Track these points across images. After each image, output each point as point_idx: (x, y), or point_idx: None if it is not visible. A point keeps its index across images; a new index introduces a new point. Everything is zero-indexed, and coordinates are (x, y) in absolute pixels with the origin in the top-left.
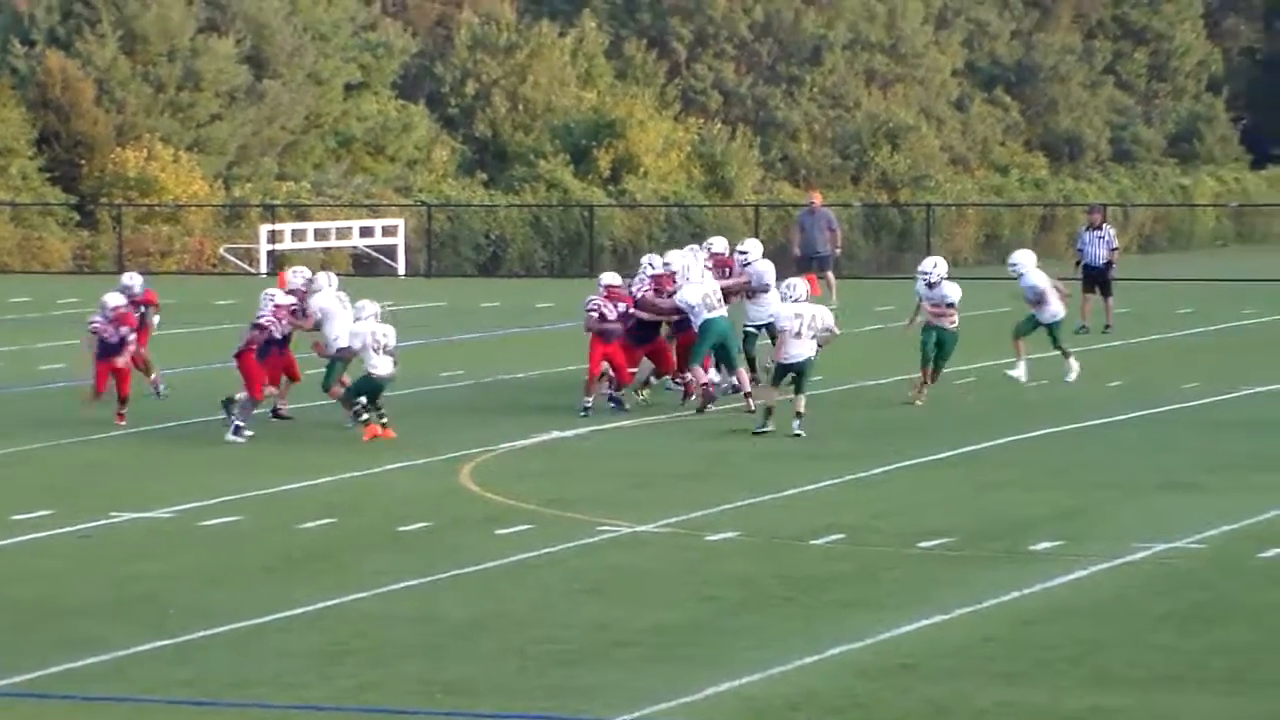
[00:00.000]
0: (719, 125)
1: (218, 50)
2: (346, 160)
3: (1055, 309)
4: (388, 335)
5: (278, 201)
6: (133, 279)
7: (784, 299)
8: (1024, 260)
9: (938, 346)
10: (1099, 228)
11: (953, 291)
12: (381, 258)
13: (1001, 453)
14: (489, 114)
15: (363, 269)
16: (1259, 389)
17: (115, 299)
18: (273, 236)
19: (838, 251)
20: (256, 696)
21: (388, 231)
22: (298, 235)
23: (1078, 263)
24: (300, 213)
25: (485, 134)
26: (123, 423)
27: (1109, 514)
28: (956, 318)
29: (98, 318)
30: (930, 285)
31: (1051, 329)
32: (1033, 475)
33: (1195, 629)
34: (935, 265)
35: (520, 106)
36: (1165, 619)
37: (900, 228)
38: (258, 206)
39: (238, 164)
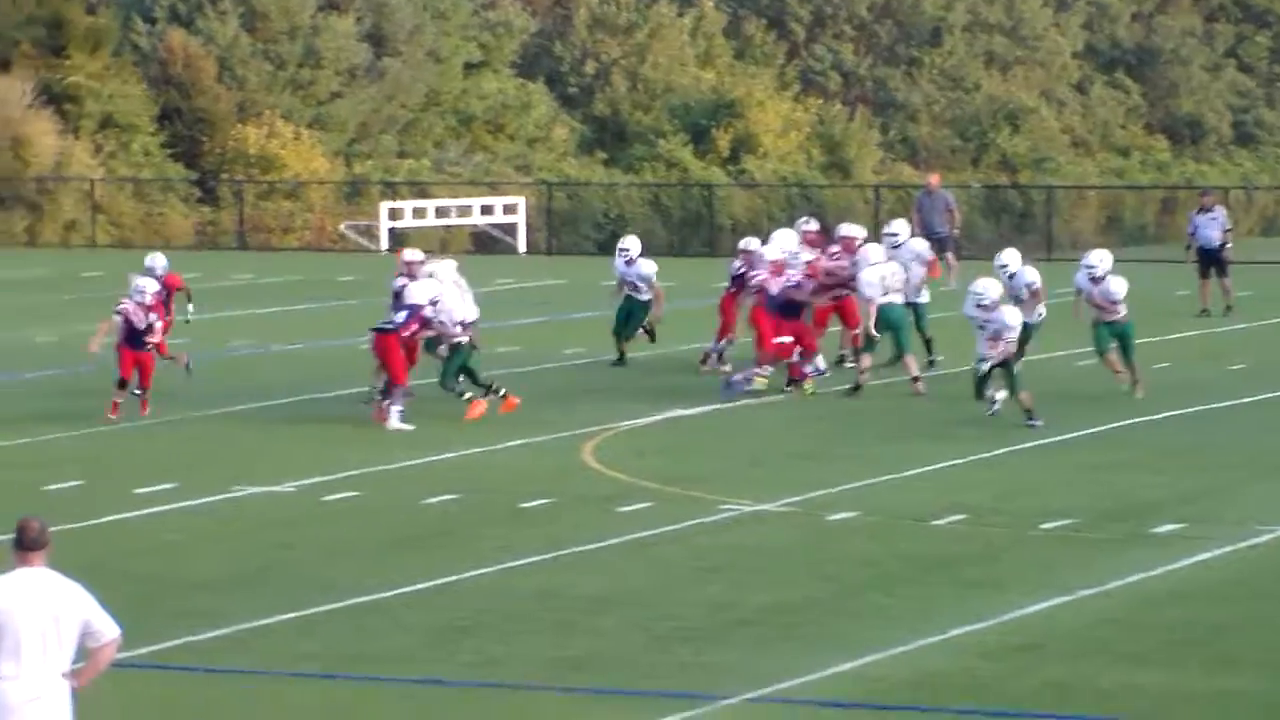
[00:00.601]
0: (838, 106)
1: (338, 28)
2: (466, 138)
3: (1041, 309)
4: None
5: (398, 179)
6: (155, 259)
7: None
8: (1013, 259)
9: (1120, 341)
10: (1210, 210)
11: (1119, 287)
12: (502, 236)
13: (1124, 435)
14: (608, 93)
15: (483, 247)
16: None
17: (150, 283)
18: (393, 214)
19: (956, 233)
20: (378, 670)
21: (508, 209)
22: (418, 213)
23: (1189, 246)
24: (420, 190)
25: (604, 113)
26: (146, 413)
27: (1233, 496)
28: (1124, 309)
29: (127, 301)
30: (1095, 280)
31: (1030, 330)
32: (1155, 457)
33: None
34: (1101, 260)
35: (639, 86)
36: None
37: (1020, 210)
38: (378, 184)
39: (358, 141)
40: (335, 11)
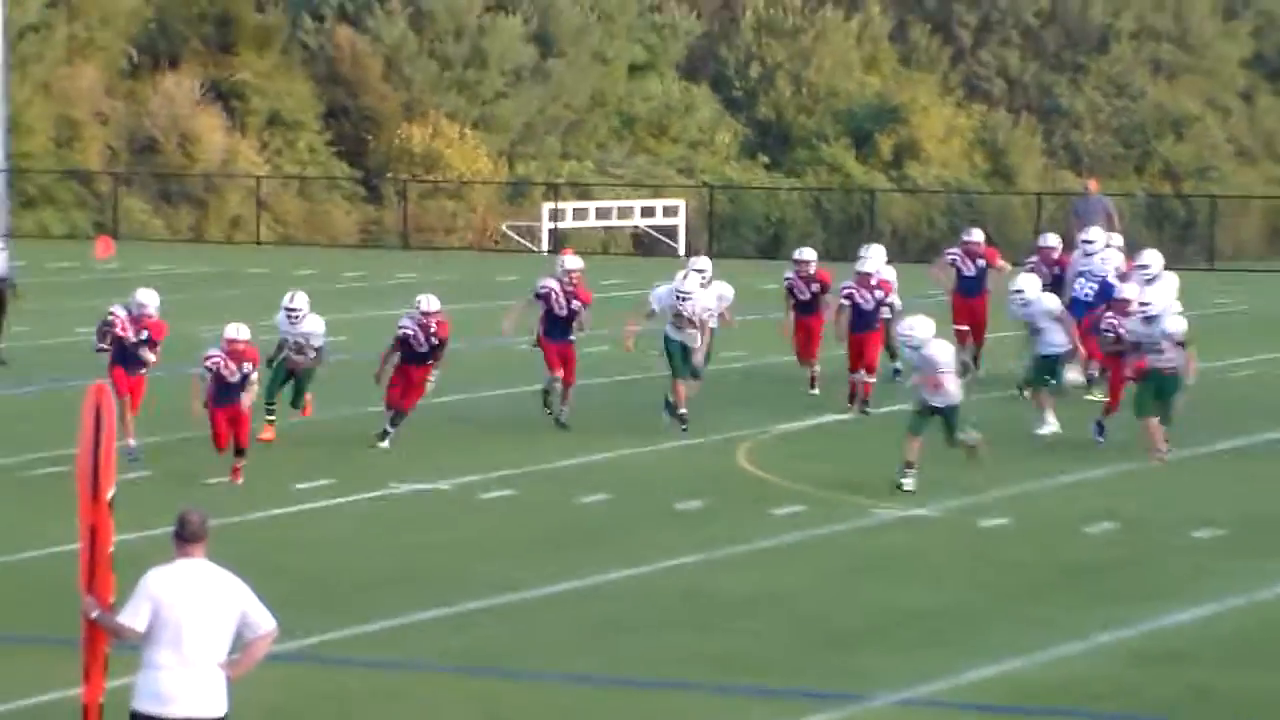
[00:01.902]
0: (1002, 112)
1: (504, 29)
2: (629, 140)
3: (1064, 338)
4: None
5: (560, 180)
6: (148, 295)
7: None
8: (1029, 286)
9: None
10: None
11: (1175, 326)
12: (662, 238)
13: (1273, 447)
14: (772, 97)
15: (643, 249)
16: None
17: (238, 330)
18: (555, 215)
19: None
20: (528, 667)
21: (669, 212)
22: (579, 214)
23: None
24: (582, 191)
25: (768, 116)
26: (239, 480)
27: None
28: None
29: (215, 352)
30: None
31: (1053, 361)
32: None
33: None
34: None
35: (804, 90)
36: None
37: (1183, 219)
38: (540, 185)
39: (521, 142)
40: (502, 12)
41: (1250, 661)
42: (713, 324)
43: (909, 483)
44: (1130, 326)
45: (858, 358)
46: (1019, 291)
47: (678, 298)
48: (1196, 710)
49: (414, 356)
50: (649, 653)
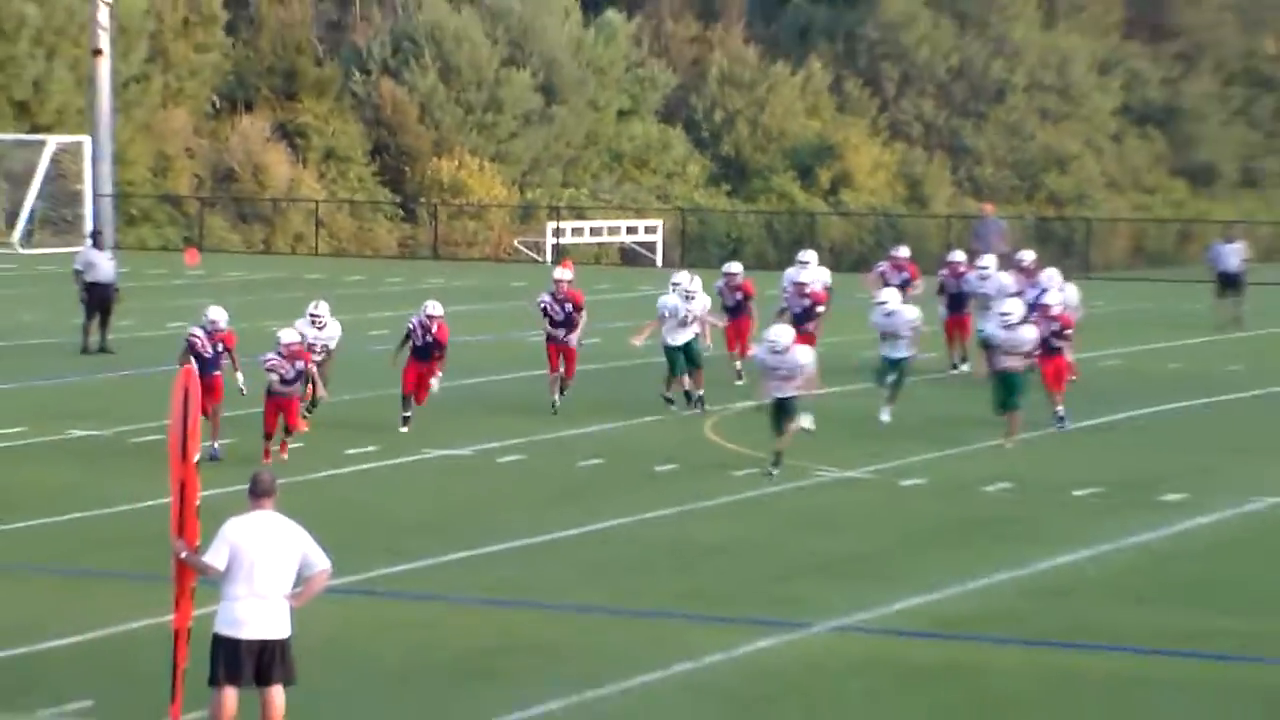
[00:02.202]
0: (919, 150)
1: (516, 81)
2: (617, 171)
3: (911, 348)
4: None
5: (561, 204)
6: (218, 313)
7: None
8: (892, 298)
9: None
10: (1233, 241)
11: (1028, 334)
12: (643, 251)
13: (1139, 421)
14: (733, 137)
15: (628, 261)
16: None
17: (291, 334)
18: (557, 232)
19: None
20: (539, 599)
21: (649, 230)
22: (576, 231)
23: (1212, 268)
24: (579, 213)
25: (729, 153)
26: (285, 455)
27: (1230, 472)
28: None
29: (273, 355)
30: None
31: (899, 364)
32: (1165, 440)
33: None
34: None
35: (758, 131)
36: (1275, 558)
37: (1064, 237)
38: (545, 207)
39: (530, 173)
40: (514, 67)
41: (1119, 597)
42: (713, 320)
43: (777, 471)
44: (990, 330)
45: None
46: (883, 303)
47: (685, 298)
48: (1075, 636)
49: (417, 351)
50: (636, 588)
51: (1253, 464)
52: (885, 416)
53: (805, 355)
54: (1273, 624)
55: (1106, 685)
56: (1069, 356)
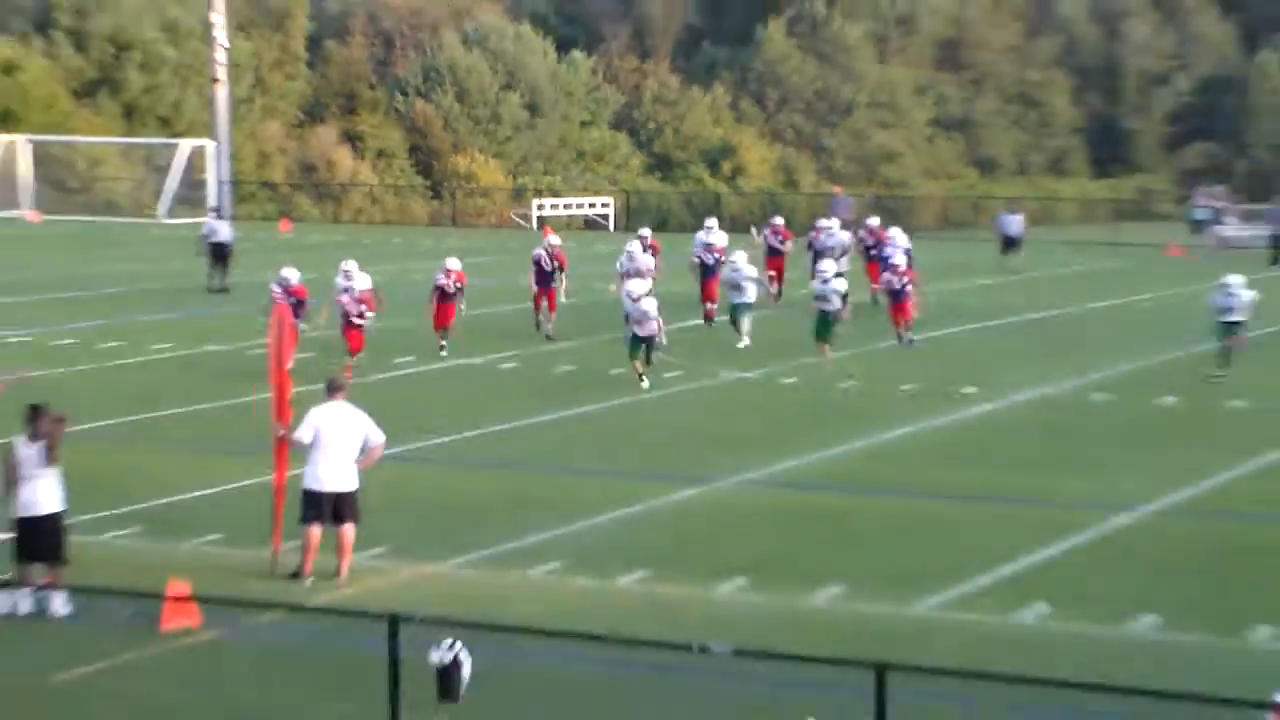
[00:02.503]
0: (793, 149)
1: (510, 100)
2: (581, 164)
3: (753, 294)
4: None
5: (543, 187)
6: (290, 272)
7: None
8: (741, 259)
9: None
10: (1016, 213)
11: (839, 286)
12: (601, 221)
13: (946, 339)
14: (662, 140)
15: (589, 227)
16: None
17: (359, 279)
18: (539, 207)
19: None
20: (528, 463)
21: (604, 206)
22: (554, 206)
23: (999, 233)
24: (555, 193)
25: (660, 151)
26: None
27: (1009, 373)
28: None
29: (344, 295)
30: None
31: (745, 309)
32: (963, 352)
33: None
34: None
35: (680, 136)
36: (1025, 435)
37: (893, 209)
38: (531, 189)
39: (520, 165)
40: (509, 90)
41: (934, 461)
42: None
43: (646, 384)
44: (815, 286)
45: (707, 296)
46: (733, 261)
47: (629, 255)
48: (904, 490)
49: (445, 296)
50: (597, 457)
51: (1024, 367)
52: (741, 344)
53: (651, 305)
54: (1035, 479)
55: (928, 522)
56: (913, 299)
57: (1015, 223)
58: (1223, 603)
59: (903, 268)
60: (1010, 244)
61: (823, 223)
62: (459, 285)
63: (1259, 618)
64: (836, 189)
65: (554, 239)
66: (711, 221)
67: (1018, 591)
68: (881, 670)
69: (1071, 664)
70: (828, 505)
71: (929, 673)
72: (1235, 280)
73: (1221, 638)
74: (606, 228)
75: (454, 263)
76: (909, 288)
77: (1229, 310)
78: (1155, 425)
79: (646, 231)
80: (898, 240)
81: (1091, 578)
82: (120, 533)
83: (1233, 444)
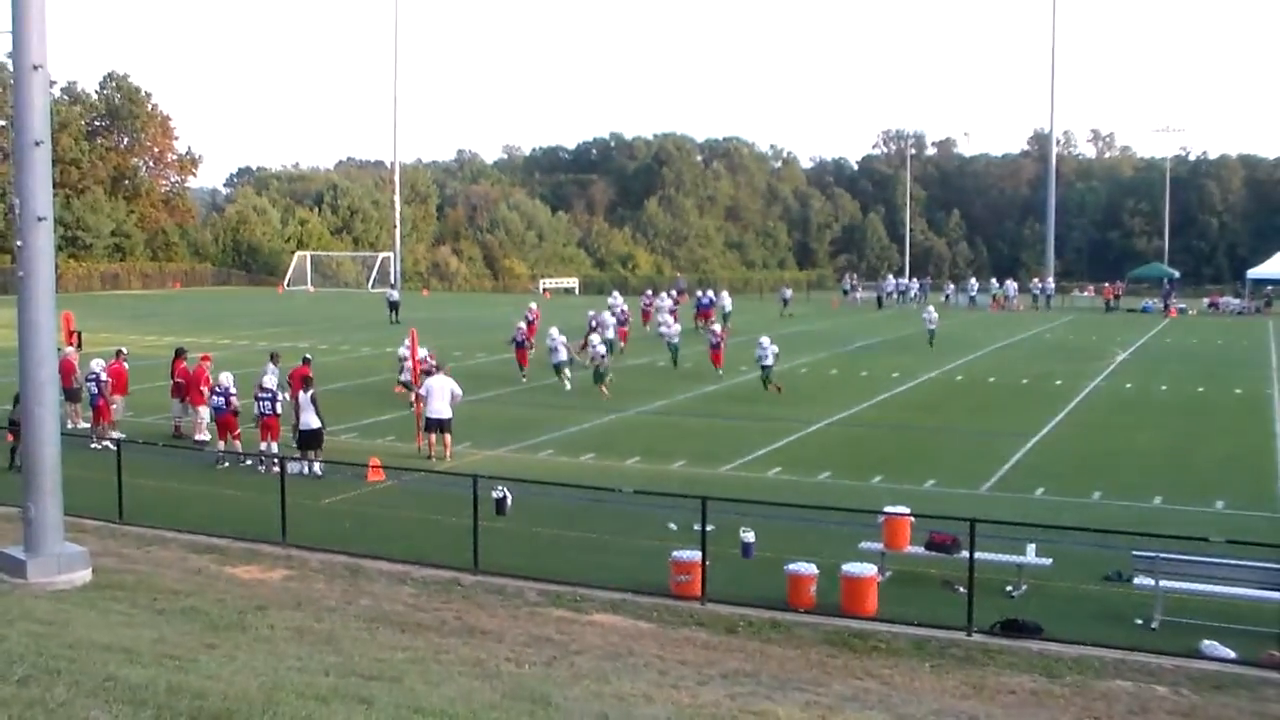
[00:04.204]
0: (661, 257)
1: (529, 234)
2: (562, 264)
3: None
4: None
5: (545, 275)
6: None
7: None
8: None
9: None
10: (787, 287)
11: (670, 330)
12: (570, 291)
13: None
14: (599, 252)
15: (566, 293)
16: None
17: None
18: (545, 283)
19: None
20: (552, 419)
21: (572, 283)
22: (551, 282)
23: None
24: (550, 276)
25: (598, 257)
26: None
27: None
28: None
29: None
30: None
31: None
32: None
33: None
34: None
35: (607, 250)
36: (761, 393)
37: (707, 284)
38: (540, 274)
39: (535, 264)
40: (529, 229)
41: (732, 403)
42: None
43: (567, 385)
44: (662, 331)
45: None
46: (551, 333)
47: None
48: (715, 415)
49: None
50: (584, 397)
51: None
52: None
53: (558, 338)
54: (774, 409)
55: (728, 431)
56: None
57: (788, 292)
58: (857, 465)
59: (716, 326)
60: (785, 303)
61: (649, 293)
62: (532, 320)
63: (875, 471)
64: (679, 275)
65: (532, 306)
66: (616, 293)
67: (765, 462)
68: (704, 500)
69: (789, 495)
70: (686, 424)
71: (727, 500)
72: (765, 339)
73: (854, 482)
74: (574, 292)
75: (533, 306)
76: (721, 343)
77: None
78: (828, 384)
79: (534, 304)
80: (724, 300)
81: (798, 455)
82: (348, 435)
83: (861, 392)
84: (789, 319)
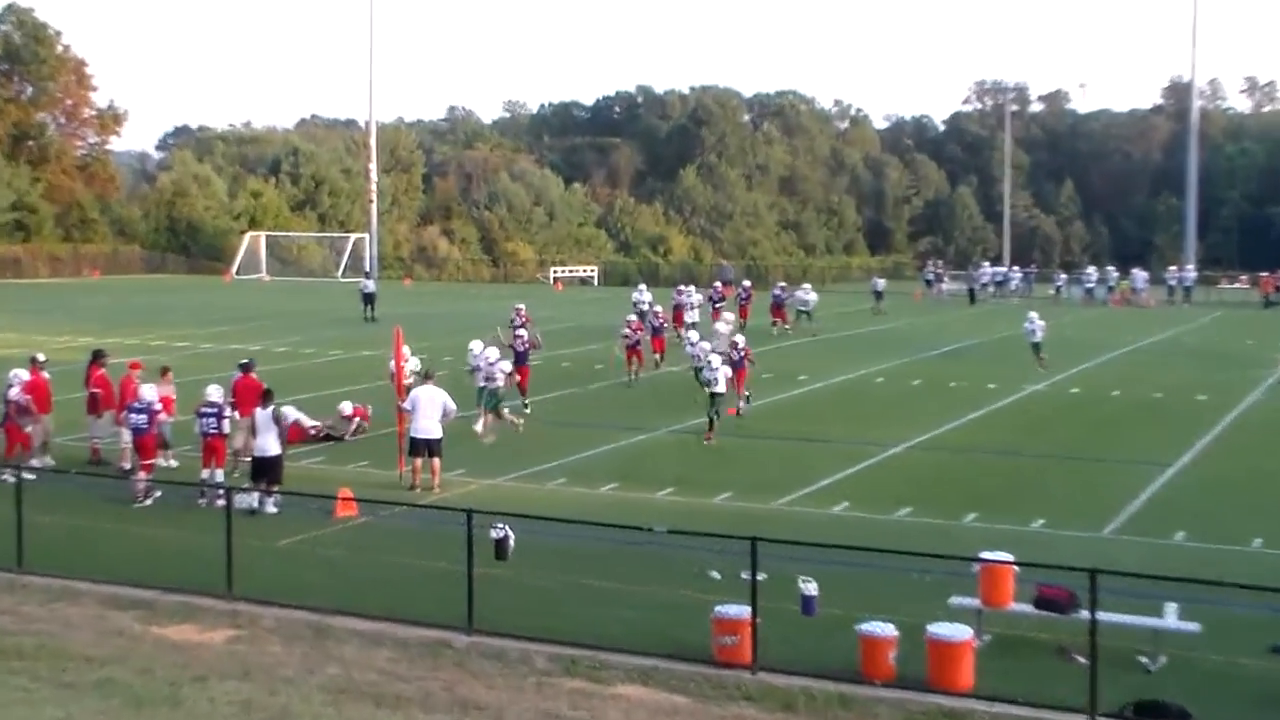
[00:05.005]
0: (699, 239)
1: (537, 211)
2: (579, 247)
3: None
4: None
5: (555, 261)
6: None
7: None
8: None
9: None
10: (881, 276)
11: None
12: (589, 280)
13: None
14: (623, 233)
15: (583, 284)
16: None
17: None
18: (555, 271)
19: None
20: (593, 422)
21: (591, 271)
22: (563, 271)
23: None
24: (563, 264)
25: (623, 240)
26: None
27: (838, 367)
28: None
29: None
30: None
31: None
32: (794, 356)
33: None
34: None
35: (634, 230)
36: (833, 403)
37: (756, 274)
38: (550, 261)
39: (544, 248)
40: (537, 205)
41: (786, 419)
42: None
43: (479, 426)
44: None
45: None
46: (487, 356)
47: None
48: (767, 436)
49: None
50: (597, 413)
51: (839, 363)
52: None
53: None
54: (840, 428)
55: (782, 454)
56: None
57: (880, 283)
58: (946, 500)
59: (741, 343)
60: (878, 297)
61: (682, 287)
62: (519, 325)
63: (967, 508)
64: (724, 261)
65: (520, 309)
66: (642, 285)
67: (830, 494)
68: (754, 541)
69: (860, 536)
70: (731, 447)
71: (782, 543)
72: (1033, 313)
73: (942, 520)
74: (593, 283)
75: (520, 309)
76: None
77: (1032, 333)
78: (909, 397)
79: (521, 305)
80: (804, 295)
81: (872, 486)
82: (311, 460)
83: (950, 409)
84: (880, 316)
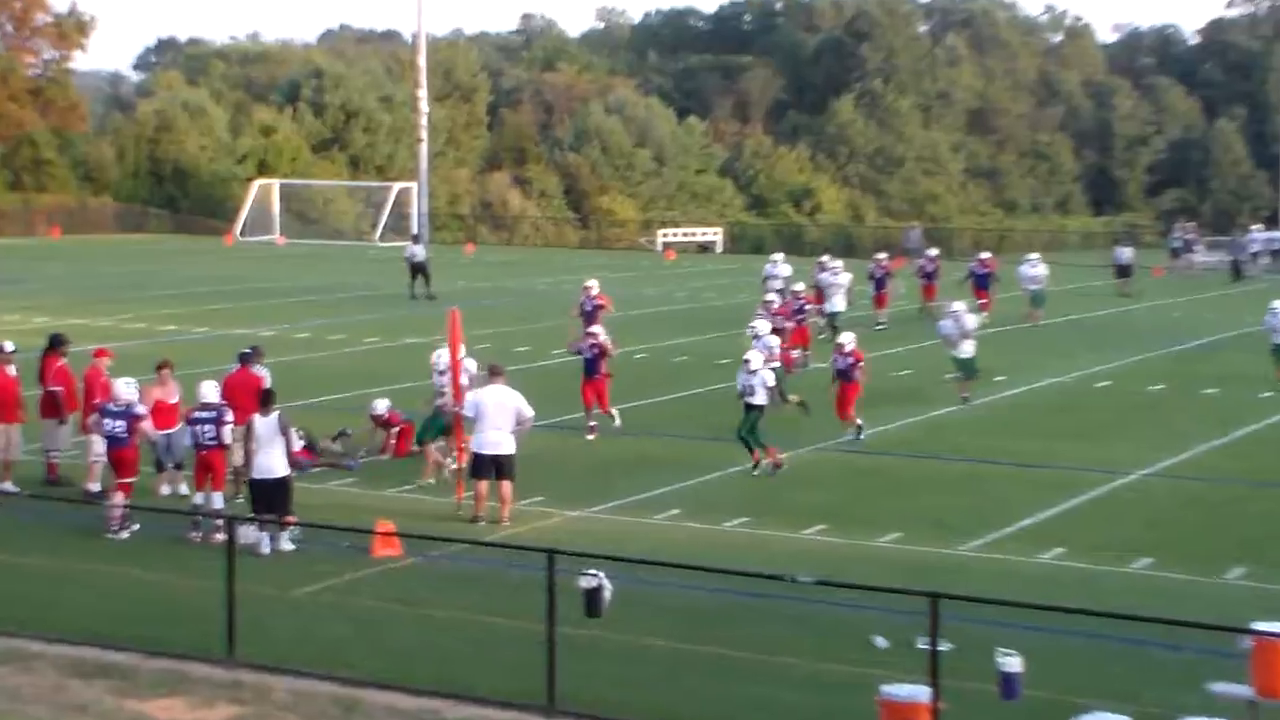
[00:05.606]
0: (859, 192)
1: (641, 155)
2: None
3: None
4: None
5: (665, 220)
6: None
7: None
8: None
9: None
10: (1125, 245)
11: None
12: (709, 246)
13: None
14: (757, 184)
15: (702, 251)
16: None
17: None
18: (664, 234)
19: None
20: (654, 429)
21: (713, 234)
22: (675, 234)
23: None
24: (675, 224)
25: (756, 193)
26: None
27: (1037, 367)
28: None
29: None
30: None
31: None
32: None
33: None
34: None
35: (772, 181)
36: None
37: (935, 238)
38: (657, 221)
39: (649, 202)
40: (641, 148)
41: (977, 434)
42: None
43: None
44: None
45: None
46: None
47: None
48: (947, 456)
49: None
50: (714, 425)
51: (1038, 363)
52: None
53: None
54: (1069, 447)
55: (967, 480)
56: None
57: (1126, 254)
58: (1202, 548)
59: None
60: (1123, 272)
61: (880, 256)
62: (598, 305)
63: (1233, 560)
64: (914, 224)
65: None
66: (777, 255)
67: (1036, 537)
68: (935, 598)
69: (1079, 595)
70: (887, 466)
71: (973, 601)
72: (1277, 303)
73: (1194, 576)
74: (714, 251)
75: (591, 287)
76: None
77: (1276, 330)
78: (1147, 408)
79: (592, 282)
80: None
81: (1096, 527)
82: (340, 484)
83: (1206, 423)
84: (1126, 299)
